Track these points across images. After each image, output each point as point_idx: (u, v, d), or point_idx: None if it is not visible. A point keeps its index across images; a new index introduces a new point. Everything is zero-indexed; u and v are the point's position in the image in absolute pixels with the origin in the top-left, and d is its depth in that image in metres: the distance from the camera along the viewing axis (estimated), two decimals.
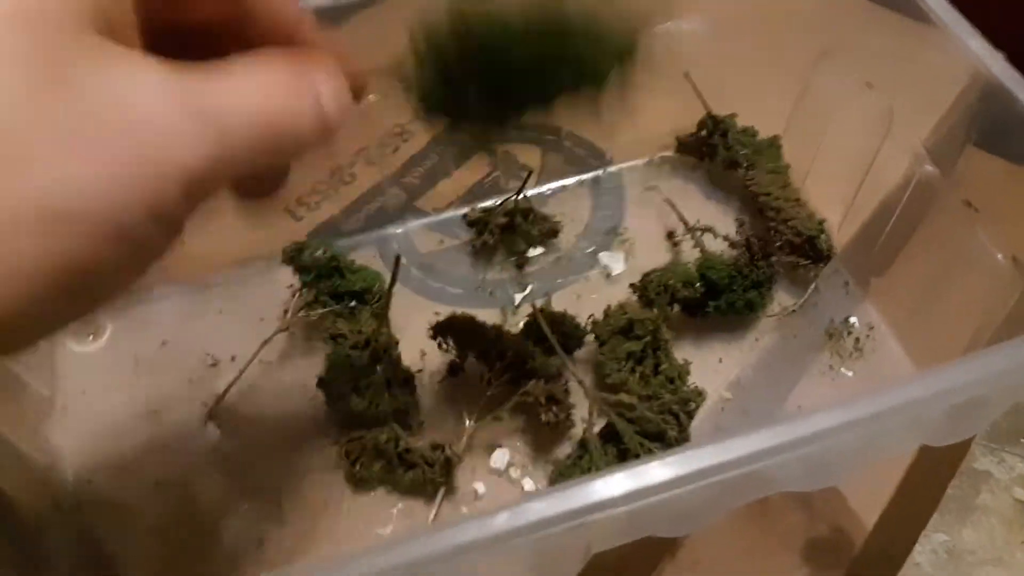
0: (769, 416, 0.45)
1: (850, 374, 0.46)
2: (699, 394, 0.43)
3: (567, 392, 0.44)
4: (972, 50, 0.40)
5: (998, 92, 0.39)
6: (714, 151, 0.53)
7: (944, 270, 0.44)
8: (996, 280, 0.41)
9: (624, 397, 0.42)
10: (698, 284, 0.46)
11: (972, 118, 0.42)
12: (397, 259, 0.41)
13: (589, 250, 0.52)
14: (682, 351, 0.47)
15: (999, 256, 0.40)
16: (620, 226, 0.53)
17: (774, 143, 0.53)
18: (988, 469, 0.71)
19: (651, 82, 0.52)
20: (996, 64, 0.39)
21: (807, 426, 0.29)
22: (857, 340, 0.47)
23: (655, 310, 0.45)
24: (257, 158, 0.23)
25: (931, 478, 0.51)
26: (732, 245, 0.49)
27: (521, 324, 0.48)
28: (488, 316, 0.49)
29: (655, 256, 0.52)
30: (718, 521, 0.34)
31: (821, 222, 0.49)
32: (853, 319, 0.48)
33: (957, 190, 0.42)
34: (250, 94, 0.23)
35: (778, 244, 0.48)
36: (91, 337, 0.48)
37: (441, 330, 0.45)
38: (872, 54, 0.47)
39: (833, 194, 0.52)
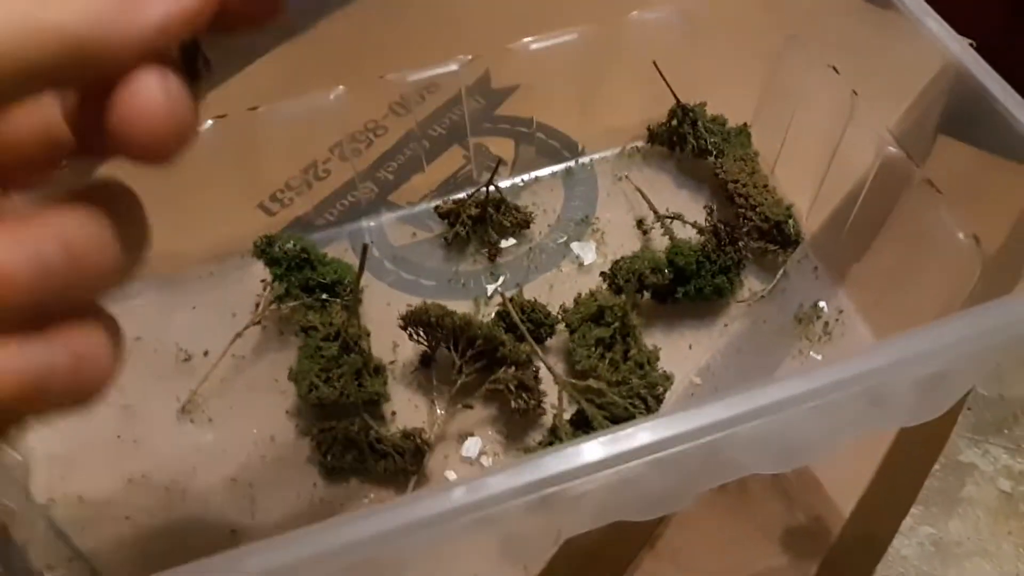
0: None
1: (819, 358, 0.47)
2: (667, 378, 0.43)
3: (537, 379, 0.44)
4: (937, 37, 0.40)
5: (966, 80, 0.39)
6: (684, 140, 0.53)
7: (910, 252, 0.44)
8: (959, 259, 0.41)
9: (593, 383, 0.42)
10: (667, 270, 0.46)
11: (941, 106, 0.42)
12: (364, 248, 0.41)
13: (561, 240, 0.52)
14: (652, 337, 0.47)
15: (960, 235, 0.41)
16: (592, 216, 0.53)
17: (743, 131, 0.53)
18: (973, 461, 0.71)
19: (621, 71, 0.53)
20: (962, 52, 0.40)
21: (769, 395, 0.29)
22: (826, 324, 0.48)
23: (624, 297, 0.45)
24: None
25: (909, 466, 0.51)
26: (701, 232, 0.49)
27: (493, 314, 0.48)
28: (461, 307, 0.49)
29: (626, 245, 0.52)
30: (691, 506, 0.35)
31: (788, 207, 0.49)
32: (822, 303, 0.49)
33: (921, 172, 0.42)
34: None
35: (745, 230, 0.48)
36: None
37: (411, 320, 0.45)
38: (839, 40, 0.47)
39: (802, 180, 0.52)
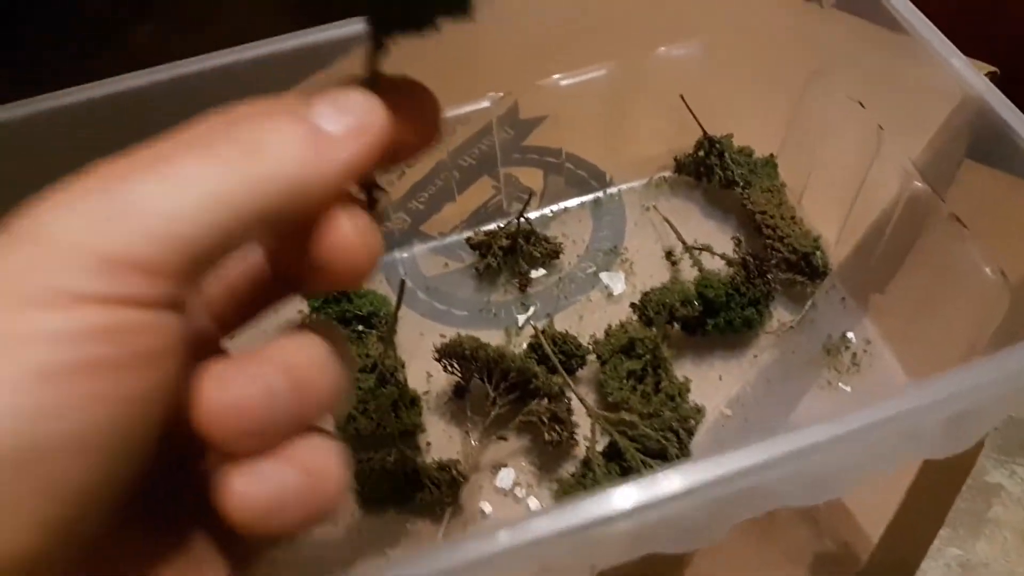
0: (770, 432, 0.46)
1: (848, 389, 0.47)
2: (698, 411, 0.44)
3: (570, 411, 0.45)
4: (958, 71, 0.41)
5: (987, 115, 0.40)
6: (711, 171, 0.54)
7: (936, 285, 0.44)
8: (986, 293, 0.41)
9: (625, 415, 0.43)
10: (696, 302, 0.47)
11: (963, 138, 0.43)
12: (402, 284, 0.42)
13: (590, 270, 0.53)
14: (682, 368, 0.48)
15: (987, 270, 0.41)
16: (620, 246, 0.54)
17: (770, 161, 0.54)
18: (1000, 482, 0.71)
19: (648, 104, 0.53)
20: (983, 87, 0.40)
21: (804, 438, 0.30)
22: (854, 355, 0.48)
23: (654, 329, 0.46)
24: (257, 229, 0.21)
25: (937, 491, 0.51)
26: (729, 263, 0.50)
27: (525, 345, 0.49)
28: (493, 337, 0.50)
29: (655, 275, 0.53)
30: (723, 537, 0.35)
31: (816, 239, 0.50)
32: (850, 334, 0.49)
33: (946, 206, 0.43)
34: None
35: (774, 262, 0.49)
36: None
37: (446, 353, 0.46)
38: (863, 74, 0.48)
39: (828, 210, 0.53)
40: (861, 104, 0.48)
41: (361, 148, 0.22)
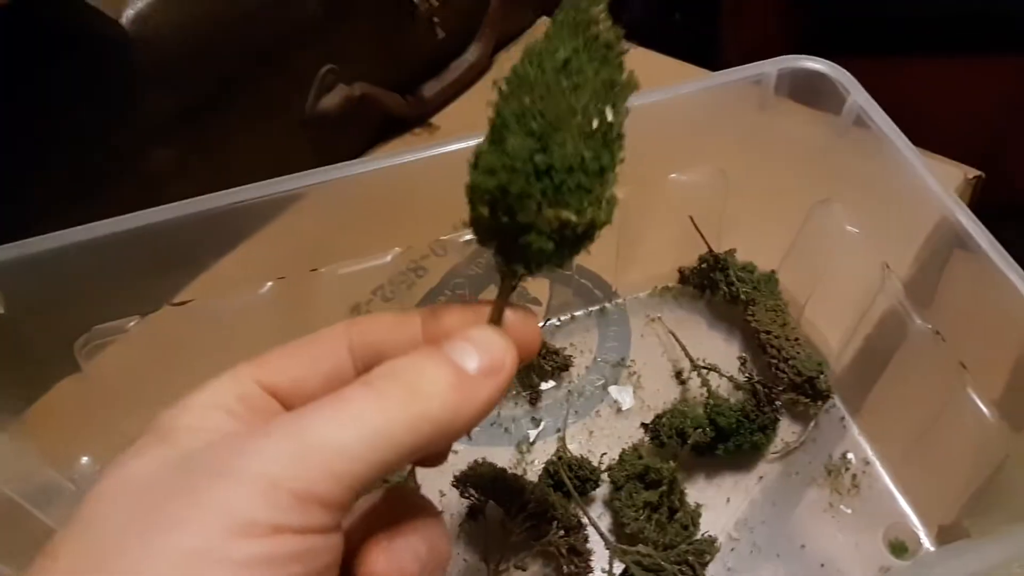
0: (776, 555, 0.47)
1: (849, 511, 0.49)
2: (712, 543, 0.45)
3: (586, 540, 0.46)
4: (936, 193, 0.43)
5: (960, 236, 0.42)
6: (715, 285, 0.56)
7: (936, 419, 0.46)
8: (986, 434, 0.43)
9: (642, 548, 0.44)
10: (708, 428, 0.48)
11: (942, 258, 0.45)
12: None
13: (599, 383, 0.55)
14: (692, 489, 0.49)
15: (987, 412, 0.43)
16: (627, 358, 0.56)
17: (772, 277, 0.56)
18: None
19: (657, 223, 0.55)
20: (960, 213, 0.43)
21: None
22: (854, 477, 0.50)
23: (670, 462, 0.47)
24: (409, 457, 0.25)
25: None
26: (737, 387, 0.52)
27: (537, 462, 0.50)
28: (504, 452, 0.51)
29: (662, 389, 0.54)
30: None
31: (820, 363, 0.51)
32: (850, 455, 0.51)
33: (949, 348, 0.45)
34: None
35: (781, 388, 0.50)
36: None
37: (463, 480, 0.47)
38: (869, 206, 0.50)
39: (829, 329, 0.55)
40: (865, 236, 0.50)
41: (497, 388, 0.26)
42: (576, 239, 0.27)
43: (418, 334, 0.29)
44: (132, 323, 0.46)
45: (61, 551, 0.22)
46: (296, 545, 0.22)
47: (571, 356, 0.55)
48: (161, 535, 0.21)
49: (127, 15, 0.49)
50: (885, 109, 0.47)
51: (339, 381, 0.28)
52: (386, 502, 0.28)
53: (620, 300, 0.58)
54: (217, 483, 0.22)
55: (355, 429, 0.23)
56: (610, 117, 0.27)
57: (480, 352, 0.26)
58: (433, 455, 0.30)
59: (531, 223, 0.26)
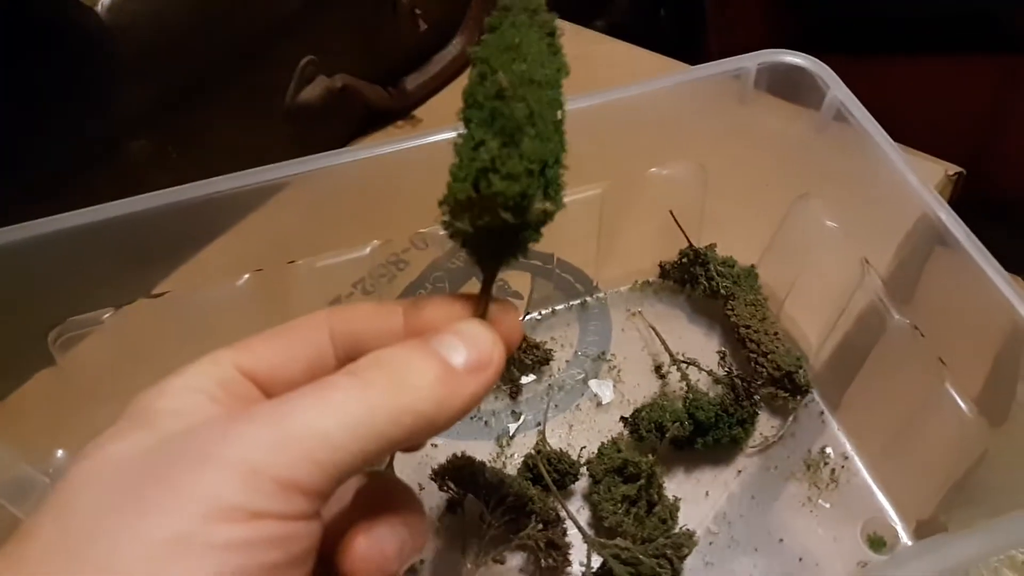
0: (754, 549, 0.47)
1: (828, 506, 0.49)
2: (690, 537, 0.45)
3: (565, 534, 0.46)
4: (915, 189, 0.43)
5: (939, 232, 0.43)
6: (695, 280, 0.56)
7: (914, 413, 0.46)
8: (964, 430, 0.44)
9: (620, 542, 0.44)
10: (687, 422, 0.48)
11: (922, 254, 0.45)
12: None
13: (579, 377, 0.54)
14: (671, 483, 0.50)
15: (964, 408, 0.43)
16: (608, 352, 0.56)
17: (751, 272, 0.56)
18: None
19: (638, 218, 0.55)
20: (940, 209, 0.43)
21: None
22: (833, 471, 0.50)
23: (649, 456, 0.47)
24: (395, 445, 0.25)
25: None
26: (716, 381, 0.52)
27: (517, 456, 0.50)
28: (484, 446, 0.51)
29: (642, 383, 0.54)
30: None
31: (799, 358, 0.51)
32: (828, 449, 0.51)
33: (928, 343, 0.45)
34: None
35: (760, 383, 0.50)
36: None
37: (442, 473, 0.46)
38: (850, 201, 0.50)
39: (808, 323, 0.55)
40: (845, 232, 0.50)
41: (483, 383, 0.26)
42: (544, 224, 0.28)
43: (399, 325, 0.28)
44: (107, 315, 0.46)
45: (34, 534, 0.22)
46: (276, 530, 0.22)
47: (552, 350, 0.55)
48: (139, 519, 0.21)
49: (102, 3, 0.48)
50: (869, 108, 0.47)
51: (320, 369, 0.28)
52: (366, 487, 0.29)
53: (601, 294, 0.58)
54: (197, 468, 0.22)
55: (338, 418, 0.23)
56: (565, 106, 0.27)
57: (468, 347, 0.26)
58: (411, 445, 0.29)
59: (527, 220, 0.27)
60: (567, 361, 0.55)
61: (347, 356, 0.28)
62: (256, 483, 0.22)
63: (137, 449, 0.23)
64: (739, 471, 0.50)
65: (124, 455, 0.23)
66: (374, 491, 0.29)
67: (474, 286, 0.57)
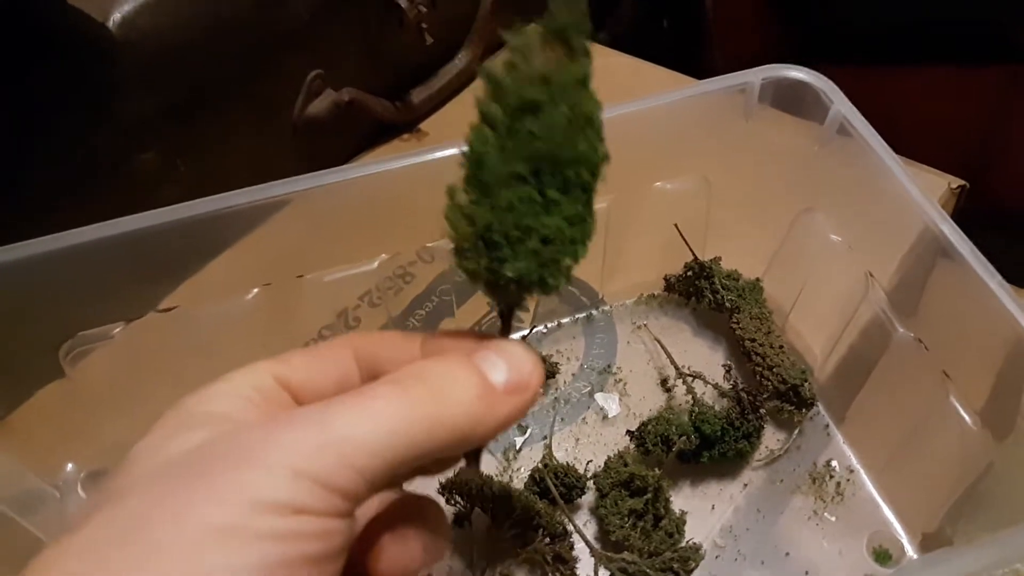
0: (760, 563, 0.48)
1: (833, 519, 0.49)
2: (697, 551, 0.45)
3: (572, 548, 0.46)
4: (918, 202, 0.44)
5: (942, 245, 0.43)
6: (700, 293, 0.56)
7: (919, 426, 0.47)
8: (968, 442, 0.44)
9: (627, 555, 0.44)
10: (693, 436, 0.49)
11: (926, 267, 0.45)
12: None
13: (585, 390, 0.55)
14: (677, 496, 0.50)
15: (970, 421, 0.44)
16: (613, 365, 0.56)
17: (756, 285, 0.56)
18: None
19: (643, 231, 0.55)
20: (943, 223, 0.43)
21: None
22: (839, 484, 0.50)
23: (656, 470, 0.47)
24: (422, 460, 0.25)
25: None
26: (722, 394, 0.52)
27: (523, 469, 0.50)
28: (490, 460, 0.51)
29: (648, 397, 0.54)
30: None
31: (804, 371, 0.52)
32: (834, 462, 0.51)
33: (932, 356, 0.45)
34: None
35: (766, 396, 0.51)
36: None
37: (449, 487, 0.47)
38: (854, 215, 0.50)
39: (813, 336, 0.55)
40: (849, 245, 0.50)
41: (519, 405, 0.27)
42: None
43: (418, 353, 0.30)
44: (117, 329, 0.46)
45: (92, 519, 0.23)
46: (316, 525, 0.23)
47: (558, 363, 0.55)
48: (189, 508, 0.22)
49: (114, 18, 0.48)
50: (870, 119, 0.48)
51: (347, 386, 0.29)
52: (397, 498, 0.30)
53: (606, 307, 0.59)
54: (244, 466, 0.23)
55: (377, 425, 0.24)
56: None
57: (509, 366, 0.27)
58: (438, 462, 0.30)
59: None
60: (573, 374, 0.56)
61: (370, 377, 0.29)
62: (298, 482, 0.23)
63: (185, 446, 0.25)
64: (745, 484, 0.51)
65: (173, 451, 0.25)
66: (404, 499, 0.30)
67: (480, 300, 0.57)
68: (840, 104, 0.48)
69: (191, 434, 0.25)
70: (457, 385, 0.26)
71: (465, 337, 0.29)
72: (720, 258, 0.57)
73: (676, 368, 0.54)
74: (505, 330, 0.30)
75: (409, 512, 0.29)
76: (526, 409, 0.27)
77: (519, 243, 0.27)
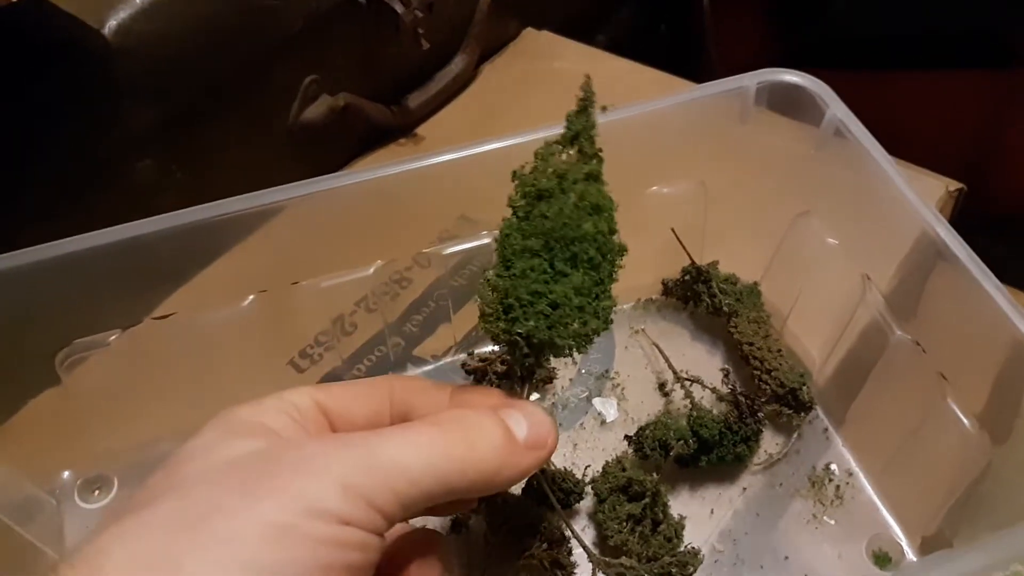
0: (759, 567, 0.47)
1: (832, 523, 0.49)
2: (695, 555, 0.45)
3: (570, 553, 0.46)
4: (915, 205, 0.44)
5: (940, 248, 0.43)
6: (698, 297, 0.56)
7: (917, 429, 0.47)
8: (966, 445, 0.44)
9: (625, 560, 0.44)
10: (691, 440, 0.48)
11: (923, 270, 0.45)
12: None
13: (583, 395, 0.55)
14: (675, 501, 0.49)
15: (968, 424, 0.44)
16: (611, 370, 0.56)
17: (754, 289, 0.56)
18: None
19: (639, 236, 0.55)
20: (939, 226, 0.43)
21: None
22: (838, 488, 0.50)
23: (654, 474, 0.47)
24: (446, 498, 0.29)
25: None
26: (720, 398, 0.52)
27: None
28: None
29: (646, 401, 0.54)
30: None
31: (802, 375, 0.51)
32: (833, 466, 0.51)
33: (931, 360, 0.45)
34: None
35: (764, 400, 0.50)
36: (97, 492, 0.49)
37: None
38: (851, 218, 0.50)
39: (811, 339, 0.55)
40: (846, 249, 0.50)
41: (535, 460, 0.32)
42: None
43: (445, 402, 0.34)
44: (113, 336, 0.46)
45: (152, 507, 0.25)
46: (360, 537, 0.26)
47: (555, 368, 0.55)
48: (249, 505, 0.25)
49: (109, 26, 0.48)
50: (868, 124, 0.48)
51: (378, 421, 0.33)
52: (415, 533, 0.35)
53: None
54: (299, 475, 0.26)
55: (419, 457, 0.28)
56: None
57: (529, 424, 0.32)
58: (452, 504, 0.33)
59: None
60: (570, 379, 0.55)
61: (399, 417, 0.33)
62: (347, 496, 0.26)
63: (238, 451, 0.27)
64: (744, 488, 0.50)
65: (228, 454, 0.27)
66: (418, 532, 0.35)
67: (474, 307, 0.57)
68: (836, 108, 0.48)
69: (242, 441, 0.28)
70: (487, 434, 0.30)
71: (491, 393, 0.35)
72: (717, 262, 0.57)
73: (674, 372, 0.54)
74: (524, 391, 0.35)
75: (427, 544, 0.33)
76: (539, 466, 0.32)
77: (530, 306, 0.33)
